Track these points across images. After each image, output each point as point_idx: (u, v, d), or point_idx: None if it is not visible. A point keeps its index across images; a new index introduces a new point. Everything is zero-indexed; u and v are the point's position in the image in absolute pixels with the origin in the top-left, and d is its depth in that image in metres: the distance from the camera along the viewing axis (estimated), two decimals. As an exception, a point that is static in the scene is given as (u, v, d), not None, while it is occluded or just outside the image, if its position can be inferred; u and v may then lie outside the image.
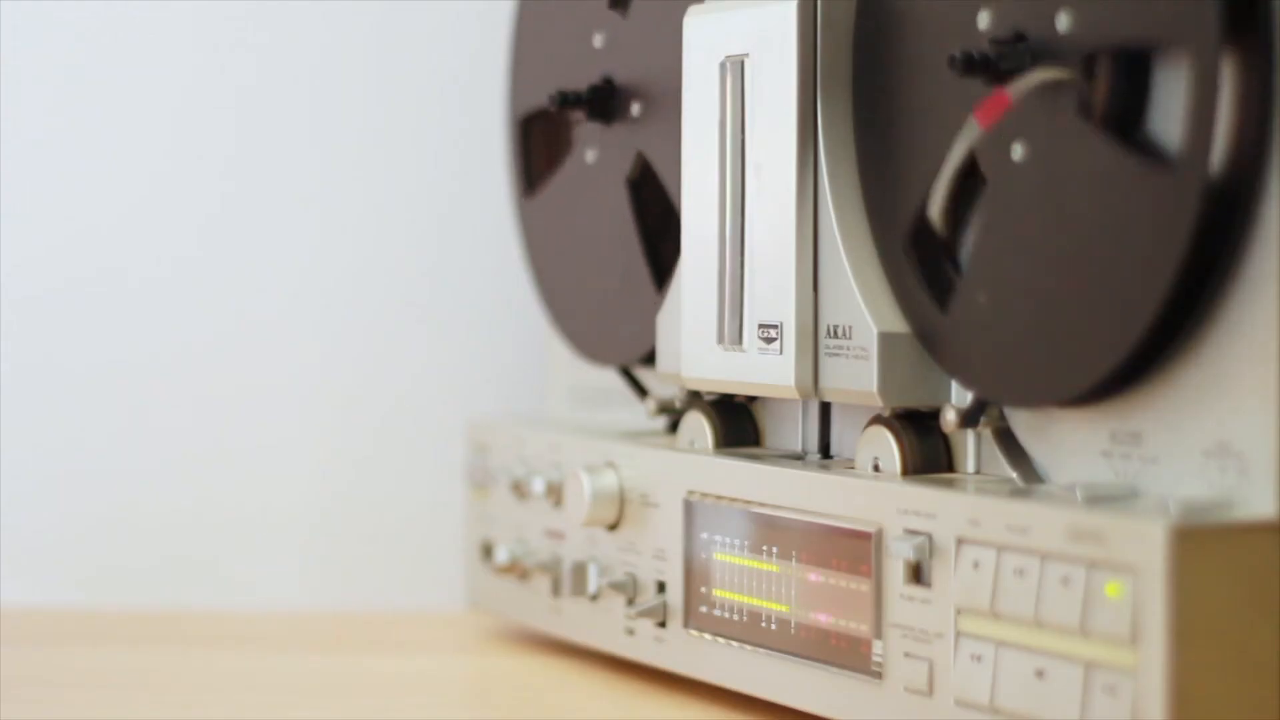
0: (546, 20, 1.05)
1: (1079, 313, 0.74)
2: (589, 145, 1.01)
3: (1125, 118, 0.72)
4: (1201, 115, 0.69)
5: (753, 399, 0.93)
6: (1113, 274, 0.72)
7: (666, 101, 0.95)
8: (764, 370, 0.86)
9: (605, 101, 0.99)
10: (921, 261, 0.80)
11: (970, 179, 0.78)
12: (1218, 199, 0.69)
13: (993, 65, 0.75)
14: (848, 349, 0.83)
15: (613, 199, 1.00)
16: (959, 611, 0.76)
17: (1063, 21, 0.74)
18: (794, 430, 0.91)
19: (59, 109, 1.18)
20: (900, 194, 0.81)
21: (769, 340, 0.86)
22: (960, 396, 0.81)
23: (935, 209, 0.78)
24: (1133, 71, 0.72)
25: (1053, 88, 0.74)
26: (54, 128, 1.18)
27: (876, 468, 0.83)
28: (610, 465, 0.95)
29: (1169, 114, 0.71)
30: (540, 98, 1.02)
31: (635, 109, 0.98)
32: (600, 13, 1.00)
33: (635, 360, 0.99)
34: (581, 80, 1.00)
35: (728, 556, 0.88)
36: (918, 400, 0.82)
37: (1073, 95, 0.73)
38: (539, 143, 1.07)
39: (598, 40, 1.00)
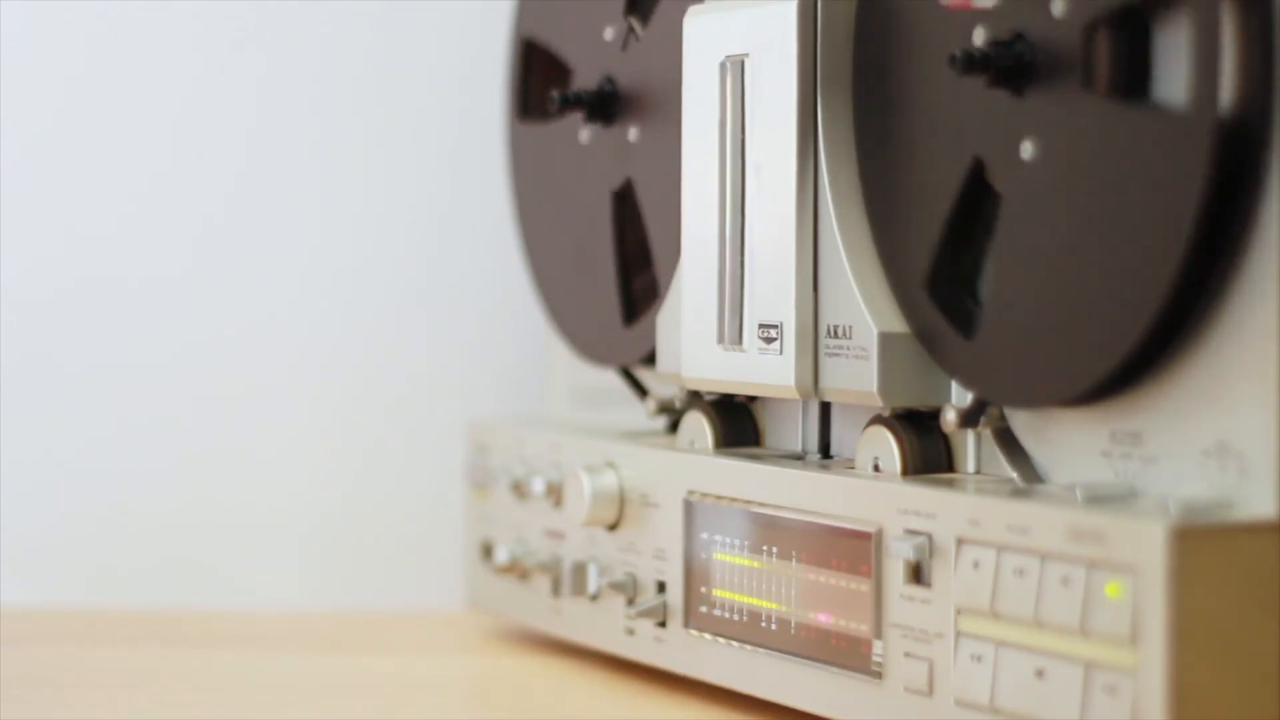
0: None
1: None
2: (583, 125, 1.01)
3: (1130, 85, 0.72)
4: (1206, 72, 0.68)
5: (753, 399, 0.93)
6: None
7: (663, 122, 0.95)
8: (764, 370, 0.86)
9: (606, 104, 0.99)
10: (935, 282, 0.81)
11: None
12: (1227, 160, 0.68)
13: (992, 64, 0.75)
14: (848, 349, 0.83)
15: (599, 206, 1.00)
16: (959, 611, 0.76)
17: (1058, 6, 0.74)
18: (794, 430, 0.91)
19: (59, 109, 1.18)
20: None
21: (769, 340, 0.86)
22: (960, 396, 0.81)
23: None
24: (1133, 38, 0.72)
25: (1054, 72, 0.74)
26: (54, 128, 1.18)
27: (876, 468, 0.83)
28: (610, 465, 0.95)
29: (1172, 80, 0.71)
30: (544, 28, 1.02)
31: (632, 133, 0.98)
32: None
33: (635, 360, 0.99)
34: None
35: (728, 556, 0.88)
36: (918, 400, 0.82)
37: (1074, 75, 0.73)
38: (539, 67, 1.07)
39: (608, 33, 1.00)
